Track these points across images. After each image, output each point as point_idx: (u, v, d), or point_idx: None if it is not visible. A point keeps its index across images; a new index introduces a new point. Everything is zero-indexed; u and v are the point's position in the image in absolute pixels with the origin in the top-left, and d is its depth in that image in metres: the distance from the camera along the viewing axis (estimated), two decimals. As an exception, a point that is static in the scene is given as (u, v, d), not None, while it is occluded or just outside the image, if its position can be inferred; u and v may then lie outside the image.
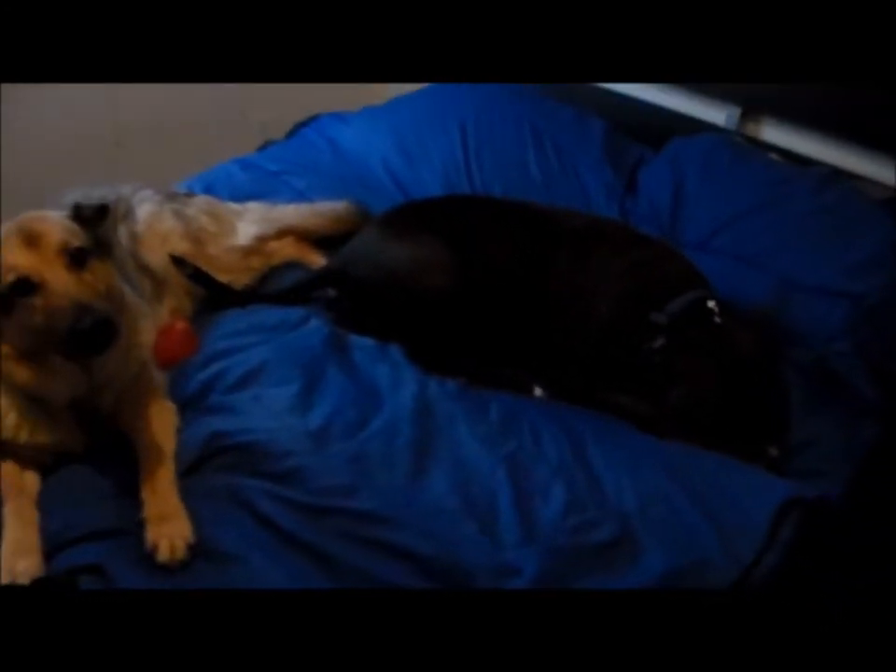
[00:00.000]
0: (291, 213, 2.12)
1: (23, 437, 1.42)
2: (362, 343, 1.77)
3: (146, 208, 1.89)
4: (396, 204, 2.07)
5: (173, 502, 1.36)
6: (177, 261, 1.82)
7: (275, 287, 1.96)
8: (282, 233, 2.07)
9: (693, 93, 2.41)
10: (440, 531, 1.36)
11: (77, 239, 1.36)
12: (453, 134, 2.37)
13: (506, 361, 1.82)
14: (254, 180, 2.29)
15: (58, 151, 2.34)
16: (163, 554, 1.29)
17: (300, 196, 2.23)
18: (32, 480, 1.44)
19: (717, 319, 1.67)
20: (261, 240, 2.03)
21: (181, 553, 1.29)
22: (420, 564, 1.30)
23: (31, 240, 1.32)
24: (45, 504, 1.40)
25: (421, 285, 1.78)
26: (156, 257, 1.82)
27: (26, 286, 1.30)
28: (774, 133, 2.33)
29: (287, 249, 2.06)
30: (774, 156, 2.24)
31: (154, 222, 1.87)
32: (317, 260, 2.07)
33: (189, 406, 1.59)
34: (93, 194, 1.59)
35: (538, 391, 1.76)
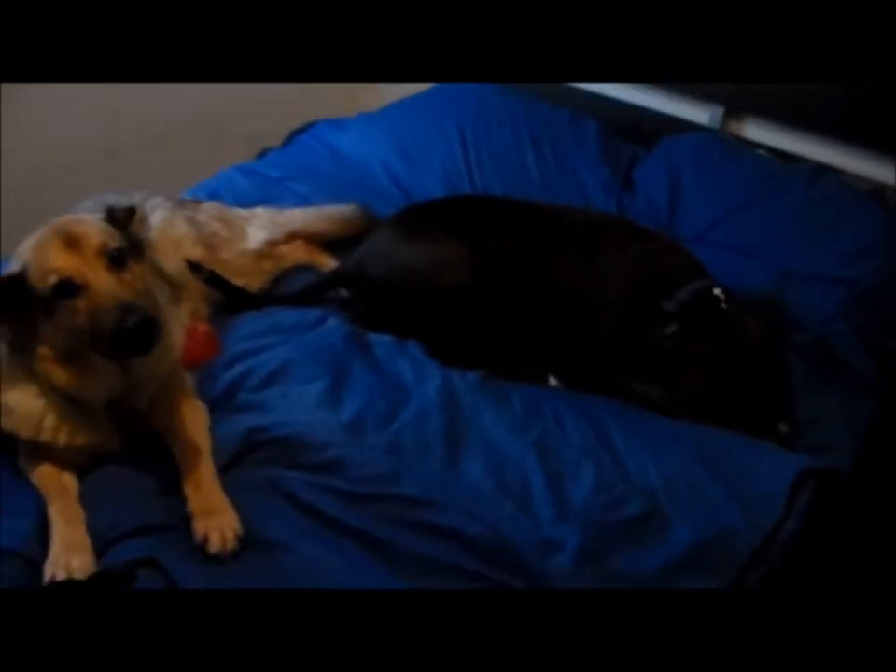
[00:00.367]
0: (299, 217, 2.15)
1: (63, 439, 1.43)
2: (381, 340, 1.81)
3: (158, 215, 1.91)
4: (402, 206, 2.11)
5: (217, 495, 1.39)
6: (194, 266, 1.85)
7: (288, 290, 2.00)
8: (291, 237, 2.10)
9: (676, 94, 2.49)
10: (481, 512, 1.41)
11: (115, 240, 1.38)
12: (451, 138, 2.42)
13: (519, 355, 1.87)
14: (257, 186, 2.32)
15: (55, 156, 2.35)
16: (215, 545, 1.31)
17: (303, 201, 2.26)
18: (70, 480, 1.46)
19: (723, 306, 1.75)
20: (272, 244, 2.06)
21: (232, 543, 1.32)
22: (468, 543, 1.35)
23: (71, 242, 1.34)
24: (87, 504, 1.41)
25: (440, 282, 1.82)
26: (171, 262, 1.83)
27: (69, 287, 1.31)
28: (756, 132, 2.42)
29: (297, 252, 2.10)
30: (762, 151, 2.33)
31: (167, 228, 1.90)
32: (327, 263, 2.11)
33: (219, 405, 1.62)
34: (107, 201, 1.62)
35: (552, 381, 1.82)
